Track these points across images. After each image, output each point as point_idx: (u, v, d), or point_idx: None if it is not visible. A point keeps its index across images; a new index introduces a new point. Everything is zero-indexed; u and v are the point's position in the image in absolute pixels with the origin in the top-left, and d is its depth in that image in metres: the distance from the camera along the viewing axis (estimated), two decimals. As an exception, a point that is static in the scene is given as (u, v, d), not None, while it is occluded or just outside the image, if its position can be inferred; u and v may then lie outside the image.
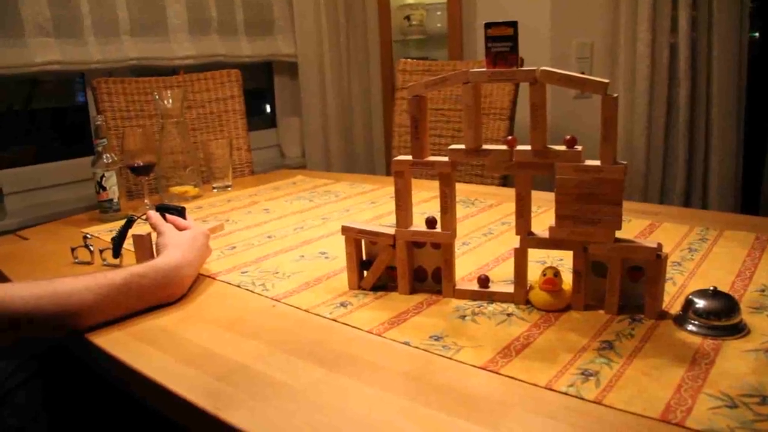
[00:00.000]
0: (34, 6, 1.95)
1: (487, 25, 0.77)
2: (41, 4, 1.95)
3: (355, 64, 2.91)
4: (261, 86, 2.98)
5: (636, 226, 1.16)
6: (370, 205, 1.44)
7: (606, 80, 0.73)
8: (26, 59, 1.94)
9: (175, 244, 0.95)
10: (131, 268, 0.86)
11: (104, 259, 1.09)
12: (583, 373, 0.65)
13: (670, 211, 1.32)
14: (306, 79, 2.82)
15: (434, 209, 1.24)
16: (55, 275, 0.83)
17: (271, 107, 3.02)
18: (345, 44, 2.85)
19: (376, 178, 1.86)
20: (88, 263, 1.11)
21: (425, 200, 1.42)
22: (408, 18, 2.97)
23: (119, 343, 0.79)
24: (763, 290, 0.84)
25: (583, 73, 2.12)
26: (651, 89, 2.21)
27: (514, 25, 0.76)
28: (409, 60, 2.25)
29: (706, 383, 0.62)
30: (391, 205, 1.40)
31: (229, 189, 1.71)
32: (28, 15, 1.94)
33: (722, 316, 0.73)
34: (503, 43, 0.77)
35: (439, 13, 2.86)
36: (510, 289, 0.85)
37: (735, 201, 2.26)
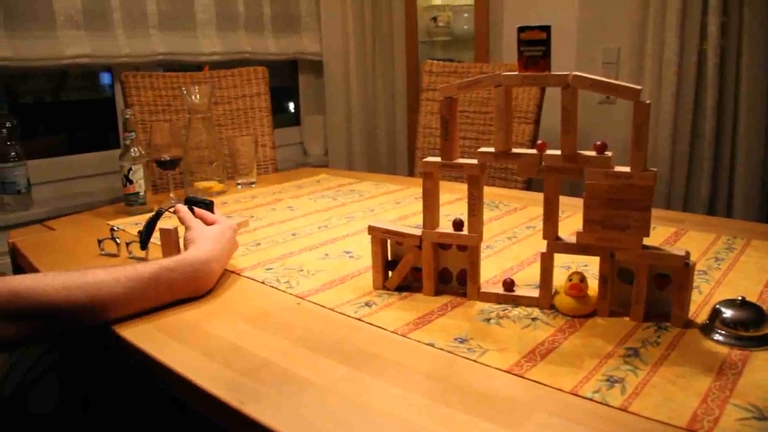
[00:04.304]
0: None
1: (521, 29, 0.77)
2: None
3: (380, 65, 2.92)
4: (285, 84, 3.00)
5: (661, 233, 1.15)
6: (395, 206, 1.44)
7: (638, 87, 0.73)
8: (56, 52, 1.98)
9: (203, 238, 0.96)
10: (161, 262, 0.86)
11: (130, 252, 1.10)
12: (608, 380, 0.65)
13: (695, 219, 1.30)
14: (331, 78, 2.83)
15: (458, 212, 1.25)
16: (82, 266, 0.84)
17: (295, 105, 3.03)
18: (370, 44, 2.86)
19: (400, 178, 1.86)
20: (114, 255, 1.12)
21: (449, 202, 1.42)
22: (435, 19, 2.97)
23: (146, 336, 0.80)
24: (791, 302, 0.83)
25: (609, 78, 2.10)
26: (677, 95, 2.19)
27: (547, 29, 0.76)
28: (435, 61, 2.24)
29: (733, 394, 0.61)
30: (416, 206, 1.40)
31: (254, 186, 1.72)
32: (60, 7, 1.97)
33: (750, 326, 0.72)
34: (535, 47, 0.77)
35: (466, 15, 2.86)
36: (535, 293, 0.84)
37: (761, 210, 2.23)
